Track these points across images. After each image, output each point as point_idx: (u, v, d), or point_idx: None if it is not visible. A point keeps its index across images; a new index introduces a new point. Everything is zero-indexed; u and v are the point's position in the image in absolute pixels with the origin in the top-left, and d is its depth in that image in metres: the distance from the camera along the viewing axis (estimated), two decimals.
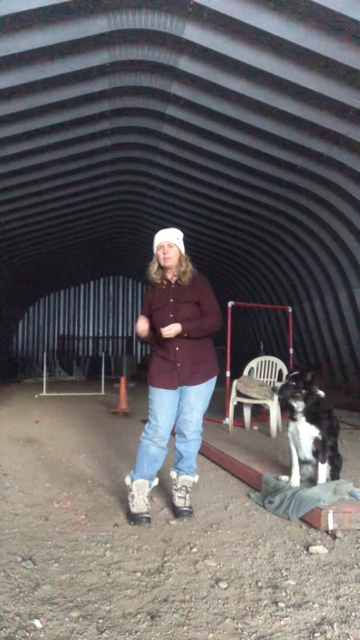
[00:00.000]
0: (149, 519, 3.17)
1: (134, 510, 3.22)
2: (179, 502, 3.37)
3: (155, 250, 3.40)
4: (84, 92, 7.53)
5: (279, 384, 3.70)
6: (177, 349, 3.26)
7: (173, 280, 3.38)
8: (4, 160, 8.53)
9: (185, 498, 3.37)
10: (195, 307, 3.31)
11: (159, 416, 3.25)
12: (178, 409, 3.35)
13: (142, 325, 3.26)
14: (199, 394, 3.32)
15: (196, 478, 3.49)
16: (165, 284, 3.38)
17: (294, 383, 3.44)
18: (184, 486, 3.38)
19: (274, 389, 3.73)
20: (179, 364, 3.26)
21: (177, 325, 3.17)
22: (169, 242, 3.33)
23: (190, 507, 3.37)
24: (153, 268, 3.39)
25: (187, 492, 3.40)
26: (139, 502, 3.22)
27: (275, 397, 6.33)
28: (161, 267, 3.38)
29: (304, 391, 3.41)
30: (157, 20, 6.28)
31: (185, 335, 3.22)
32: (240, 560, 2.63)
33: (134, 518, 3.18)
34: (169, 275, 3.39)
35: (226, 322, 7.81)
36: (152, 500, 3.60)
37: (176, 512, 3.33)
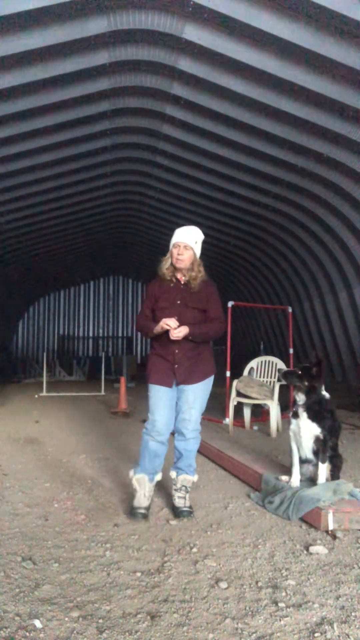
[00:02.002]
0: (145, 515, 3.22)
1: (133, 503, 3.29)
2: (179, 502, 3.37)
3: (171, 246, 3.37)
4: (84, 92, 7.53)
5: (285, 368, 3.80)
6: (176, 351, 3.31)
7: (182, 280, 3.38)
8: (4, 160, 8.52)
9: (185, 498, 3.38)
10: (201, 313, 3.35)
11: (156, 411, 3.30)
12: (177, 408, 3.38)
13: (160, 327, 3.23)
14: (197, 393, 3.36)
15: (196, 477, 3.50)
16: (174, 282, 3.38)
17: (300, 372, 3.49)
18: (183, 486, 3.40)
19: (279, 371, 3.81)
20: (176, 365, 3.32)
21: (186, 328, 3.21)
22: (186, 243, 3.30)
23: (190, 507, 3.37)
24: (166, 263, 3.38)
25: (187, 492, 3.41)
26: (140, 496, 3.28)
27: (276, 397, 6.33)
28: (172, 265, 3.37)
29: (306, 383, 3.45)
30: (157, 20, 6.28)
31: (190, 338, 3.27)
32: (240, 560, 2.63)
33: (130, 511, 3.26)
34: (179, 275, 3.39)
35: (226, 322, 7.81)
36: (152, 500, 3.61)
37: (176, 512, 3.33)
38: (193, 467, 3.48)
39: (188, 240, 3.31)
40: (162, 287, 3.38)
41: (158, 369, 3.35)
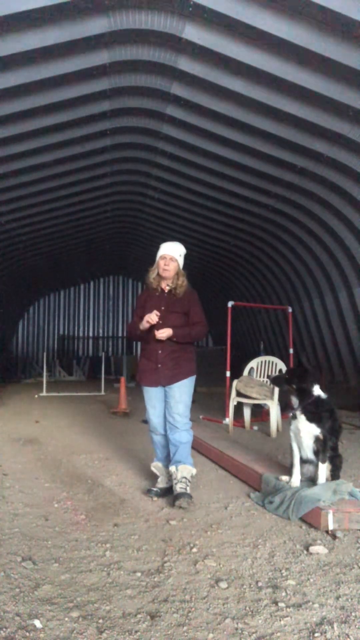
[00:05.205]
0: (157, 493, 3.69)
1: (156, 485, 3.80)
2: (180, 489, 3.49)
3: (157, 258, 3.77)
4: (84, 92, 7.52)
5: (284, 368, 4.00)
6: (159, 352, 3.67)
7: (166, 289, 3.78)
8: (4, 160, 8.52)
9: (185, 489, 3.50)
10: (184, 317, 3.72)
11: (150, 409, 3.80)
12: (166, 405, 3.69)
13: (145, 322, 3.62)
14: (182, 388, 3.68)
15: (194, 470, 3.67)
16: (159, 291, 3.77)
17: (287, 376, 3.66)
18: (184, 477, 3.54)
19: (269, 377, 4.05)
20: (159, 365, 3.67)
21: (169, 330, 3.59)
22: (172, 256, 3.73)
23: (190, 495, 3.49)
24: (152, 273, 3.80)
25: (187, 484, 3.53)
26: (159, 480, 3.83)
27: (276, 397, 6.33)
28: (159, 275, 3.77)
29: (294, 385, 3.53)
30: (157, 20, 6.28)
31: (174, 339, 3.64)
32: (240, 560, 2.63)
33: (148, 490, 3.77)
34: (163, 284, 3.79)
35: (226, 322, 7.80)
36: (152, 500, 3.62)
37: (177, 497, 3.42)
38: (190, 460, 3.67)
39: (173, 253, 3.74)
40: (149, 296, 3.80)
41: (146, 370, 3.76)
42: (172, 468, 3.61)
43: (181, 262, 3.80)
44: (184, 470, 3.56)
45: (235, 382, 6.65)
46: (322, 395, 3.51)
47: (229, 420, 6.67)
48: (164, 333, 3.57)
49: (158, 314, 3.58)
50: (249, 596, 2.25)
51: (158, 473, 3.87)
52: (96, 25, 6.25)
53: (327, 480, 3.40)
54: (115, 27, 6.33)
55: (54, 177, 9.82)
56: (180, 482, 3.52)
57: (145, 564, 2.58)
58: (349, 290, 9.63)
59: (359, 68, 5.95)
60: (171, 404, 3.66)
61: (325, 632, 1.94)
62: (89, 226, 13.78)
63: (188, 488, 3.52)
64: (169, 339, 3.62)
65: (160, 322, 3.61)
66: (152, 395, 3.76)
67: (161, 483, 3.81)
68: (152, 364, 3.71)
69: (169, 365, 3.66)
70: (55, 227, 12.75)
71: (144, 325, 3.61)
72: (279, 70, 6.41)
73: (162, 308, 3.68)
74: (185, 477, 3.54)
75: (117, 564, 2.56)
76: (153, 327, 3.60)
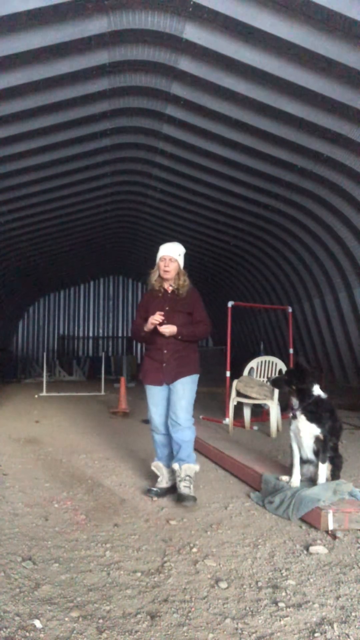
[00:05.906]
0: (157, 493, 3.69)
1: (156, 485, 3.79)
2: (184, 490, 3.51)
3: (157, 260, 3.80)
4: (84, 92, 7.53)
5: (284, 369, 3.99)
6: (165, 351, 3.71)
7: (169, 290, 3.81)
8: (4, 160, 8.52)
9: (189, 488, 3.53)
10: (187, 316, 3.75)
11: (152, 408, 3.81)
12: (169, 403, 3.70)
13: (149, 324, 3.63)
14: (185, 385, 3.70)
15: (197, 467, 3.70)
16: (162, 292, 3.81)
17: (286, 377, 3.66)
18: (187, 475, 3.57)
19: (268, 378, 4.06)
20: (164, 364, 3.70)
21: (174, 326, 3.61)
22: (171, 257, 3.76)
23: (194, 496, 3.51)
24: (154, 275, 3.84)
25: (191, 482, 3.56)
26: (160, 480, 3.83)
27: (276, 397, 6.33)
28: (160, 276, 3.80)
29: (294, 387, 3.53)
30: (157, 20, 6.28)
31: (180, 337, 3.67)
32: (240, 560, 2.63)
33: (148, 490, 3.77)
34: (166, 285, 3.82)
35: (226, 322, 7.80)
36: (152, 500, 3.62)
37: (180, 497, 3.46)
38: (193, 457, 3.70)
39: (173, 253, 3.76)
40: (152, 297, 3.83)
41: (150, 370, 3.78)
42: (175, 465, 3.63)
43: (181, 261, 3.82)
44: (188, 469, 3.59)
45: (235, 382, 6.65)
46: (322, 395, 3.51)
47: (229, 420, 6.67)
48: (168, 328, 3.60)
49: (162, 313, 3.60)
50: (249, 596, 2.25)
51: (158, 473, 3.87)
52: (96, 25, 6.25)
53: (327, 480, 3.40)
54: (115, 27, 6.33)
55: (54, 177, 9.82)
56: (184, 480, 3.55)
57: (145, 564, 2.58)
58: (349, 290, 9.64)
59: (359, 68, 5.95)
60: (174, 400, 3.67)
61: (325, 632, 1.94)
62: (89, 226, 13.78)
63: (192, 487, 3.56)
64: (174, 337, 3.65)
65: (165, 322, 3.64)
66: (155, 394, 3.78)
67: (161, 483, 3.81)
68: (156, 363, 3.73)
69: (173, 364, 3.69)
70: (55, 227, 12.75)
71: (149, 326, 3.63)
72: (279, 70, 6.41)
73: (167, 308, 3.70)
74: (189, 476, 3.58)
75: (117, 564, 2.56)
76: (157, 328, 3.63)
